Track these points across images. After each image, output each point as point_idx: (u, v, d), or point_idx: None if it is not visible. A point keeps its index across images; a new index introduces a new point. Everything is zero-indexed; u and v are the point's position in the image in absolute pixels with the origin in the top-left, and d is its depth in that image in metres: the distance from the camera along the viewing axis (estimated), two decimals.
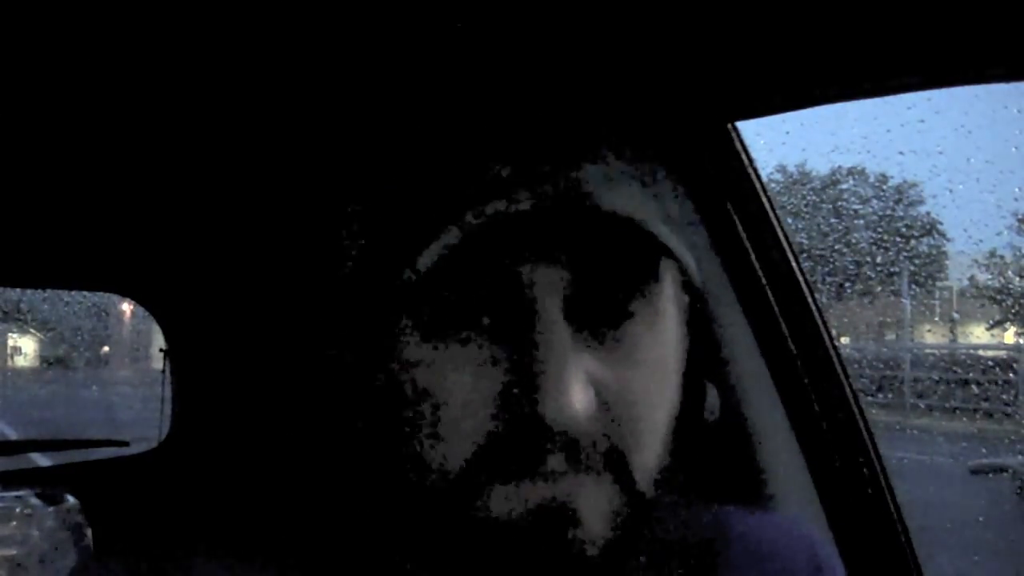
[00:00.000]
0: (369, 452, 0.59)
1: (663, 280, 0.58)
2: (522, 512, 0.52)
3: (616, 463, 0.54)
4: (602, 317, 0.55)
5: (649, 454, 0.56)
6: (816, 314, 1.12)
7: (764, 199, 1.12)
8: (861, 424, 1.12)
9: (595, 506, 0.53)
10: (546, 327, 0.52)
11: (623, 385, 0.55)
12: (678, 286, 0.61)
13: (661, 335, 0.58)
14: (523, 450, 0.52)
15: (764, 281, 1.11)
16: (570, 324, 0.53)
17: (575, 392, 0.51)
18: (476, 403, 0.53)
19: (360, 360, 0.59)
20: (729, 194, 1.11)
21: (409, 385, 0.54)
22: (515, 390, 0.52)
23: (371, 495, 0.61)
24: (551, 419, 0.50)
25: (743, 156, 1.10)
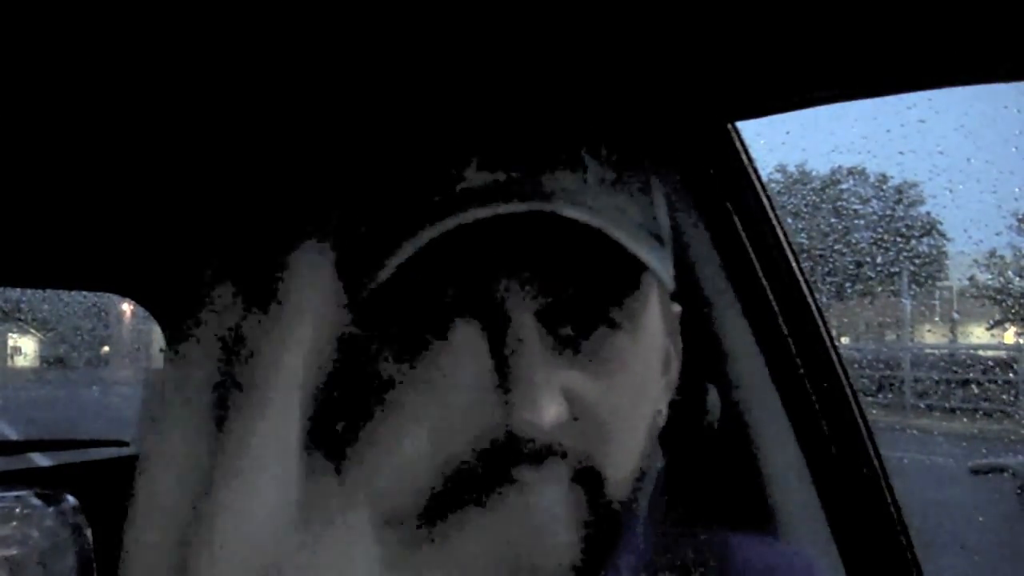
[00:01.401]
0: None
1: (646, 292, 0.57)
2: (493, 524, 0.51)
3: (587, 475, 0.53)
4: (578, 328, 0.54)
5: (623, 466, 0.55)
6: (816, 314, 1.12)
7: (764, 199, 1.12)
8: (861, 424, 1.12)
9: (565, 517, 0.52)
10: (518, 338, 0.52)
11: (599, 397, 0.54)
12: (664, 297, 0.60)
13: (642, 345, 0.57)
14: (493, 463, 0.51)
15: (764, 281, 1.11)
16: (544, 335, 0.53)
17: (546, 405, 0.50)
18: (446, 416, 0.52)
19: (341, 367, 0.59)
20: (729, 194, 1.11)
21: (377, 398, 0.54)
22: (485, 403, 0.51)
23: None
24: (520, 431, 0.50)
25: (743, 156, 1.10)
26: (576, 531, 0.52)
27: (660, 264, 0.54)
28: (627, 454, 0.56)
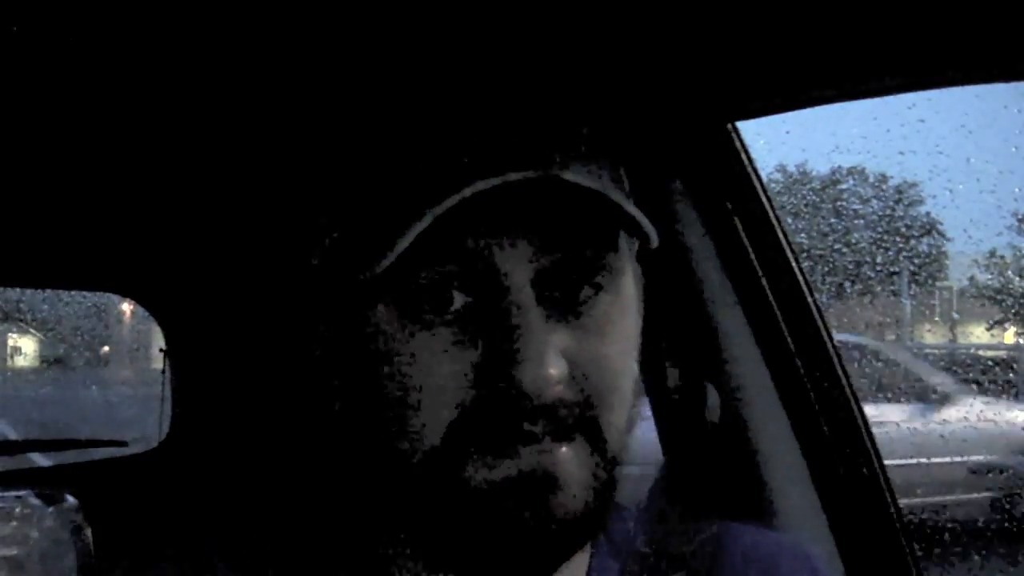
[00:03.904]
0: (352, 438, 0.60)
1: (621, 251, 0.59)
2: (504, 480, 0.54)
3: (590, 429, 0.56)
4: (567, 292, 0.57)
5: (619, 419, 0.58)
6: (816, 314, 1.12)
7: (764, 199, 1.12)
8: (861, 424, 1.12)
9: (572, 470, 0.55)
10: (517, 302, 0.54)
11: (592, 355, 0.56)
12: (633, 256, 0.63)
13: (623, 305, 0.60)
14: (502, 422, 0.53)
15: (764, 281, 1.11)
16: (539, 298, 0.55)
17: (550, 363, 0.53)
18: (454, 380, 0.54)
19: (341, 347, 0.60)
20: (729, 194, 1.11)
21: (388, 367, 0.56)
22: (491, 365, 0.53)
23: (359, 482, 0.62)
24: (529, 390, 0.52)
25: (743, 156, 1.10)
26: (584, 481, 0.55)
27: (647, 224, 0.57)
28: (620, 408, 0.59)
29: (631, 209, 0.55)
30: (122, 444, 2.30)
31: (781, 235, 1.12)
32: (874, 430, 1.13)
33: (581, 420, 0.55)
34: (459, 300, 0.55)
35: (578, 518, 0.55)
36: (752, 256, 1.11)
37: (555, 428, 0.54)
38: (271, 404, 1.81)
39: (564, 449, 0.54)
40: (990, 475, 4.58)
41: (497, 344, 0.54)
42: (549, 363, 0.53)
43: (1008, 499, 4.50)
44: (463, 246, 0.54)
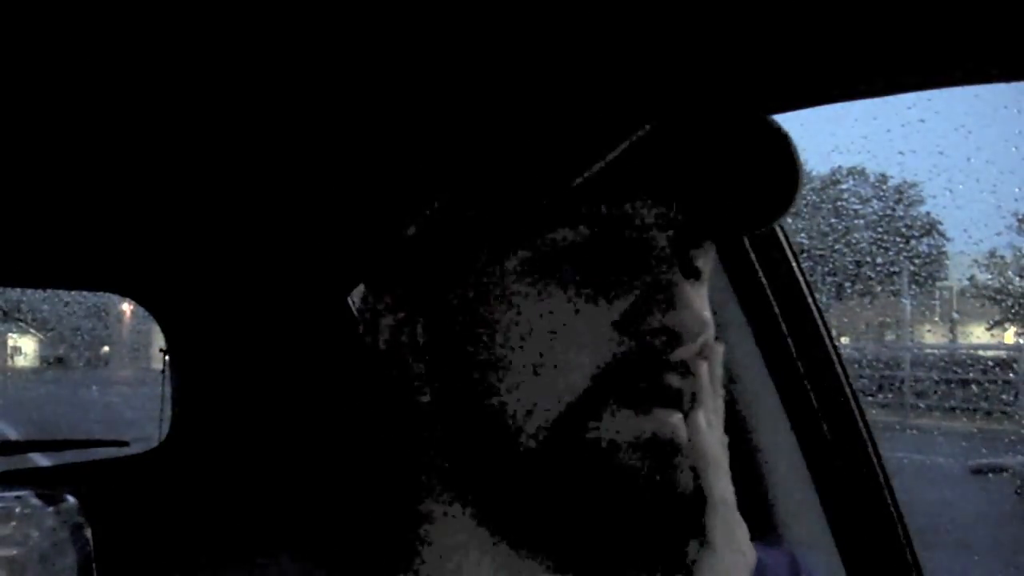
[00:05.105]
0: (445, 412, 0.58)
1: (711, 247, 0.59)
2: (637, 439, 0.52)
3: (708, 401, 0.55)
4: (688, 261, 0.56)
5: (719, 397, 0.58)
6: (816, 314, 1.12)
7: None
8: (861, 424, 1.12)
9: (702, 438, 0.54)
10: (664, 257, 0.54)
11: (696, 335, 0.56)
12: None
13: (704, 297, 0.59)
14: (644, 374, 0.52)
15: (764, 281, 1.11)
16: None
17: (703, 307, 0.53)
18: (593, 336, 0.53)
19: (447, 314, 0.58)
20: None
21: (515, 326, 0.53)
22: (641, 314, 0.52)
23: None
24: (684, 331, 0.52)
25: None
26: (712, 452, 0.55)
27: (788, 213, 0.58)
28: (719, 388, 0.58)
29: (801, 169, 0.55)
30: (123, 444, 2.30)
31: (781, 235, 1.12)
32: None
33: (702, 391, 0.55)
34: (597, 256, 0.53)
35: (701, 493, 0.55)
36: (752, 256, 1.11)
37: (689, 390, 0.53)
38: (271, 404, 1.81)
39: (694, 414, 0.54)
40: (990, 475, 4.59)
41: (648, 294, 0.52)
42: (702, 307, 0.53)
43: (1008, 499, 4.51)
44: (610, 204, 0.53)
